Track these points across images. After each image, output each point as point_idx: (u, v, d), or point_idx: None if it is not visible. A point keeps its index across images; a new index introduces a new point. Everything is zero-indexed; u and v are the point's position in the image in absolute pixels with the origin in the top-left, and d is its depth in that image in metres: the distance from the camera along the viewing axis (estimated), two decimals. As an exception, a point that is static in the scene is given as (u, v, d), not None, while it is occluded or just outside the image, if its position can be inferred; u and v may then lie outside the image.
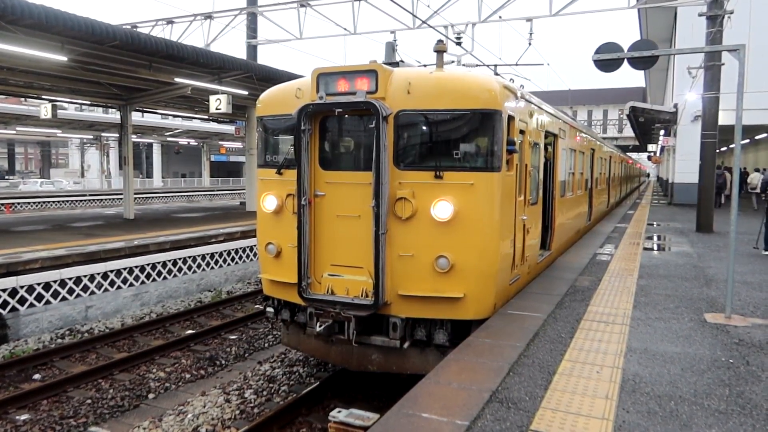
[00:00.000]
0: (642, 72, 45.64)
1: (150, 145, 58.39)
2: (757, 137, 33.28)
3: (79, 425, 7.00)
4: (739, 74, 6.38)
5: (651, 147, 50.54)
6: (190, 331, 10.65)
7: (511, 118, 6.54)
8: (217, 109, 16.00)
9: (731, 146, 36.47)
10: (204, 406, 7.27)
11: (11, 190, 44.10)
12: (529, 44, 17.93)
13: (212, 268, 14.17)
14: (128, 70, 14.80)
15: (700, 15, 14.58)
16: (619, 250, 11.45)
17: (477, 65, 17.23)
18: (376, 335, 6.50)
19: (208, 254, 14.04)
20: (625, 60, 7.56)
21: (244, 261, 15.25)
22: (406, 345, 6.43)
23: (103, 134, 42.77)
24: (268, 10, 20.94)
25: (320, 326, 6.46)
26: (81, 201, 36.40)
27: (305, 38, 20.58)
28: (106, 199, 37.51)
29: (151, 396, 7.85)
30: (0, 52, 11.91)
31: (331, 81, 6.47)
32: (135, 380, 8.32)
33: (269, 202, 7.10)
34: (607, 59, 7.53)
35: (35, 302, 10.20)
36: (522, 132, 7.17)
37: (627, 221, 17.73)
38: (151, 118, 38.30)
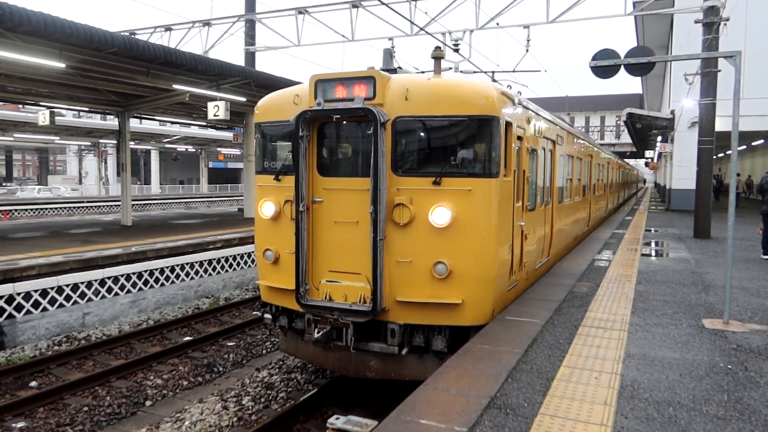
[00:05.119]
0: (639, 78, 45.83)
1: (148, 152, 58.37)
2: (753, 143, 33.40)
3: (76, 433, 6.96)
4: (736, 81, 6.41)
5: (648, 153, 50.65)
6: (187, 338, 10.62)
7: (508, 125, 6.56)
8: (215, 115, 16.01)
9: (728, 152, 36.61)
10: (201, 414, 7.24)
11: (9, 196, 44.03)
12: (527, 51, 17.99)
13: (210, 274, 14.14)
14: (126, 76, 14.81)
15: (696, 22, 14.66)
16: (617, 256, 11.46)
17: (475, 72, 17.28)
18: (374, 342, 6.49)
19: (205, 261, 14.00)
20: (622, 66, 7.59)
21: (242, 267, 15.23)
22: (404, 351, 6.41)
23: (100, 141, 42.77)
24: (266, 17, 21.01)
25: (318, 333, 6.45)
26: (78, 208, 36.31)
27: (303, 45, 20.64)
28: (103, 206, 37.42)
29: (148, 403, 7.81)
30: (-2, 58, 11.92)
31: (329, 87, 6.48)
32: (132, 387, 8.28)
33: (267, 209, 7.09)
34: (604, 66, 7.57)
35: (32, 309, 10.16)
36: (520, 138, 7.19)
37: (625, 227, 17.75)
38: (149, 125, 38.35)
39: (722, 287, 7.69)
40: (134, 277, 12.08)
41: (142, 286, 12.27)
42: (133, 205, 28.42)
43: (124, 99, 18.56)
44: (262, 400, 7.69)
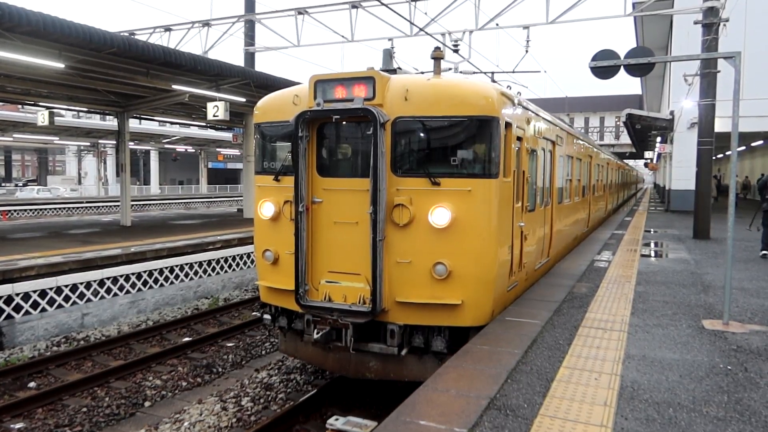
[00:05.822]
0: (638, 79, 45.86)
1: (147, 153, 58.36)
2: (753, 144, 33.42)
3: (75, 434, 6.95)
4: (735, 81, 6.40)
5: (648, 154, 50.69)
6: (186, 339, 10.60)
7: (508, 125, 6.56)
8: (214, 116, 16.01)
9: (728, 153, 36.67)
10: (200, 414, 7.23)
11: (8, 197, 43.99)
12: (526, 52, 18.01)
13: (209, 275, 14.13)
14: (126, 77, 14.80)
15: (696, 23, 14.66)
16: (617, 256, 11.45)
17: (474, 72, 17.29)
18: (373, 342, 6.48)
19: (205, 261, 13.99)
20: (622, 67, 7.59)
21: (241, 268, 15.21)
22: (403, 352, 6.41)
23: (100, 141, 42.73)
24: (266, 18, 21.01)
25: (318, 333, 6.44)
26: (78, 208, 36.30)
27: (303, 46, 20.65)
28: (103, 207, 37.42)
29: (147, 404, 7.80)
30: (-3, 59, 11.90)
31: (328, 88, 6.48)
32: (131, 388, 8.27)
33: (267, 209, 7.09)
34: (604, 66, 7.57)
35: (31, 310, 10.14)
36: (519, 139, 7.18)
37: (624, 228, 17.75)
38: (148, 125, 38.33)
39: (722, 288, 7.69)
40: (133, 278, 12.07)
41: (141, 287, 12.26)
42: (133, 205, 28.42)
43: (124, 99, 18.55)
44: (262, 400, 7.67)
